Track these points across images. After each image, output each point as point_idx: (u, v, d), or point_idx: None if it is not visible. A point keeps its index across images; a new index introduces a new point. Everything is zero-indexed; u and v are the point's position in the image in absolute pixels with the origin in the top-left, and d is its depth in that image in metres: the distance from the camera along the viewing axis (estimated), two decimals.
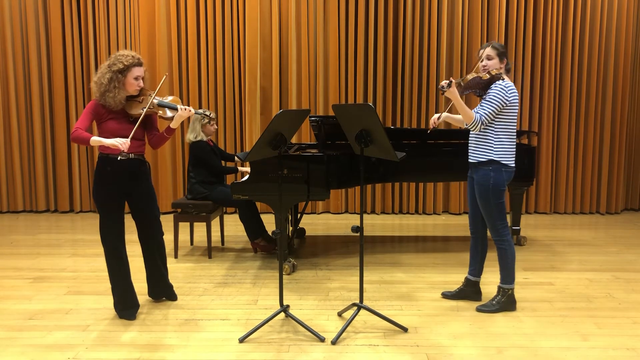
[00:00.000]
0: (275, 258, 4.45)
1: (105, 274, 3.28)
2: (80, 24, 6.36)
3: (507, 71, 3.23)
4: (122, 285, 3.20)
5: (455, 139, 5.00)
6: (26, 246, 4.98)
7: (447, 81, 2.98)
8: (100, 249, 3.20)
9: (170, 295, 3.51)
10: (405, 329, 3.00)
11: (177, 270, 4.12)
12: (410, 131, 5.64)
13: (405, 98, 6.34)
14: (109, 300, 3.32)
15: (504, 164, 3.13)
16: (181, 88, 6.31)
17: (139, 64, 3.09)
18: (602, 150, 6.48)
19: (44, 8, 6.39)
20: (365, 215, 6.36)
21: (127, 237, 3.23)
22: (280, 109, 6.22)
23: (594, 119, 6.42)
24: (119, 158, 2.98)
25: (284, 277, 3.95)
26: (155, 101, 3.14)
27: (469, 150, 3.25)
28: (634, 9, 6.36)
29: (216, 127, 4.80)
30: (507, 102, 3.06)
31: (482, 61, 3.17)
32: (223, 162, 4.77)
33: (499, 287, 3.31)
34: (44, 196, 6.63)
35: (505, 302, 3.28)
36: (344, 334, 2.94)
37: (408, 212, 6.53)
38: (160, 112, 3.17)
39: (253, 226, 4.55)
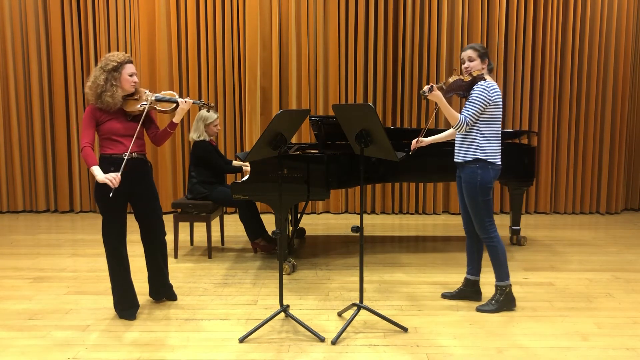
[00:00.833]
0: (275, 258, 4.45)
1: (105, 274, 3.28)
2: (80, 24, 6.37)
3: (490, 71, 3.26)
4: (123, 285, 3.20)
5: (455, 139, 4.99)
6: (26, 246, 4.98)
7: (429, 86, 3.02)
8: (101, 249, 3.20)
9: (170, 296, 3.51)
10: (405, 329, 3.00)
11: (177, 270, 4.12)
12: (411, 131, 5.62)
13: (405, 98, 6.34)
14: (109, 300, 3.32)
15: (490, 162, 3.16)
16: (181, 88, 6.31)
17: (130, 62, 3.14)
18: (602, 151, 6.49)
19: (44, 8, 6.39)
20: (365, 215, 6.36)
21: (127, 237, 3.22)
22: (280, 109, 6.22)
23: (594, 119, 6.42)
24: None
25: (284, 277, 3.95)
26: (152, 98, 3.15)
27: (456, 150, 3.29)
28: (634, 10, 6.36)
29: (219, 127, 4.80)
30: (490, 102, 3.10)
31: (463, 63, 3.22)
32: None
33: (496, 286, 3.32)
34: (44, 196, 6.63)
35: (504, 300, 3.29)
36: (344, 334, 2.94)
37: (408, 212, 6.53)
38: (159, 106, 3.18)
39: (253, 226, 4.55)
